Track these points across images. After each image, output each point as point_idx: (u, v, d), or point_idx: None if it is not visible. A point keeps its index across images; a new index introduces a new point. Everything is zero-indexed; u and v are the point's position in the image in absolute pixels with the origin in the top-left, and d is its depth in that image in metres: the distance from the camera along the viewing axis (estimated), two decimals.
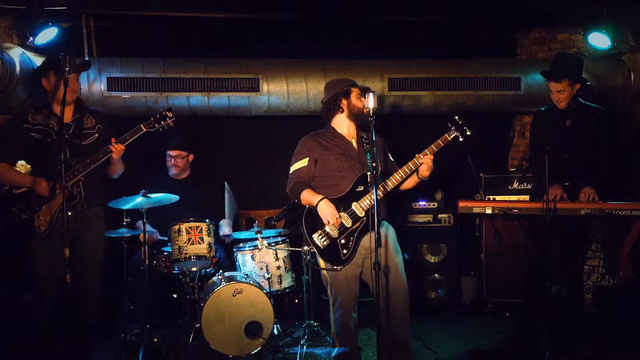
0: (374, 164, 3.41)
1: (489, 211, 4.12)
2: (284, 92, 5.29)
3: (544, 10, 5.35)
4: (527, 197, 5.07)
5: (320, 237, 3.72)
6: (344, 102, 3.87)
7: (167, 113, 3.96)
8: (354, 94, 3.87)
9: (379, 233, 3.33)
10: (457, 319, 5.42)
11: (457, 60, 5.63)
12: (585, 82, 4.24)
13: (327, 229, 3.71)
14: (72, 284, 3.29)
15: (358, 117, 3.86)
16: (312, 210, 3.74)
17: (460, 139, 3.75)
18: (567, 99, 4.17)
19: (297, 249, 4.67)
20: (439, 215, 5.64)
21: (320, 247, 3.72)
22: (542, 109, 4.46)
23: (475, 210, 4.15)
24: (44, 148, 3.77)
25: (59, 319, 3.61)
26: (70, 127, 3.82)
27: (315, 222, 3.74)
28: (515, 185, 5.51)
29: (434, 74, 5.48)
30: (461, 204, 4.14)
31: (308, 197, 3.77)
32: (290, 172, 3.90)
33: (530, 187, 5.35)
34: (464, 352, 4.48)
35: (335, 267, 3.71)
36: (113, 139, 3.79)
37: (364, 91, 3.82)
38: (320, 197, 3.71)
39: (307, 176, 3.85)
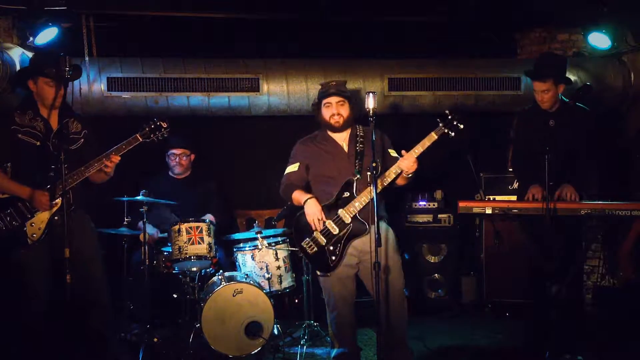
0: (374, 164, 3.39)
1: (489, 211, 4.10)
2: (284, 92, 5.29)
3: (544, 10, 5.35)
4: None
5: (308, 244, 3.74)
6: (318, 113, 3.90)
7: (162, 123, 3.83)
8: (323, 104, 3.84)
9: (378, 233, 3.33)
10: (457, 319, 5.42)
11: (457, 60, 5.62)
12: (566, 81, 4.22)
13: (314, 235, 3.72)
14: (72, 285, 3.26)
15: (328, 128, 3.85)
16: (301, 219, 3.75)
17: (452, 134, 3.61)
18: (551, 99, 4.15)
19: (297, 249, 4.68)
20: (439, 215, 5.63)
21: (309, 254, 3.75)
22: (526, 108, 4.44)
23: (475, 210, 4.14)
24: (29, 151, 3.63)
25: (65, 320, 3.55)
26: (58, 132, 3.66)
27: (304, 230, 3.75)
28: (515, 185, 5.50)
29: (434, 74, 5.48)
30: (461, 204, 4.13)
31: (297, 196, 3.80)
32: (284, 174, 3.93)
33: None
34: (463, 352, 4.48)
35: (324, 273, 3.74)
36: (112, 155, 3.67)
37: (346, 96, 3.81)
38: (309, 196, 3.75)
39: (298, 180, 3.88)
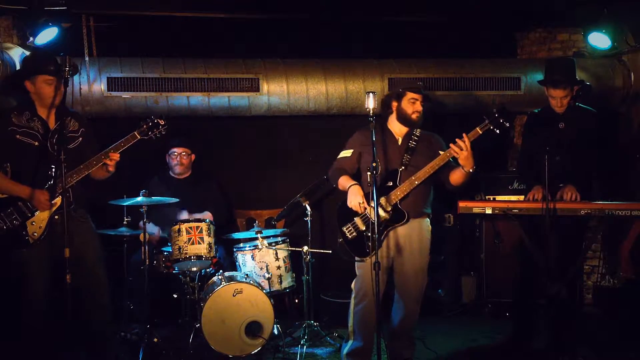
0: (374, 164, 3.43)
1: (489, 211, 4.11)
2: (284, 92, 5.29)
3: (544, 10, 5.35)
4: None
5: (348, 229, 3.82)
6: (395, 104, 3.91)
7: (159, 121, 3.84)
8: (407, 97, 3.86)
9: (379, 233, 3.36)
10: (457, 319, 5.42)
11: (457, 60, 5.62)
12: (581, 83, 4.26)
13: (355, 221, 3.80)
14: (72, 284, 3.26)
15: (405, 120, 3.89)
16: (344, 205, 3.82)
17: (497, 132, 3.68)
18: (568, 103, 4.20)
19: (297, 249, 4.68)
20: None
21: (348, 238, 3.82)
22: (536, 111, 4.47)
23: (475, 210, 4.14)
24: (28, 152, 3.62)
25: (65, 320, 3.54)
26: (56, 132, 3.67)
27: (346, 215, 3.83)
28: (515, 185, 5.50)
29: (434, 74, 5.47)
30: (461, 204, 4.14)
31: (343, 182, 3.88)
32: (337, 158, 4.01)
33: None
34: (463, 352, 4.49)
35: (360, 258, 3.80)
36: (111, 153, 3.68)
37: (424, 96, 3.89)
38: (353, 182, 3.82)
39: (348, 166, 3.95)
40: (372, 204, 3.63)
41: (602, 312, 5.21)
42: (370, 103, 3.46)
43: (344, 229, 3.84)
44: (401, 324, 3.90)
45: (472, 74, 5.52)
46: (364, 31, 5.73)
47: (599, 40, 5.40)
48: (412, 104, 3.86)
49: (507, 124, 3.67)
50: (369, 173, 3.58)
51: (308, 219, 4.87)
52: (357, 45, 5.76)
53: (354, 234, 3.81)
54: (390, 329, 3.92)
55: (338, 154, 4.04)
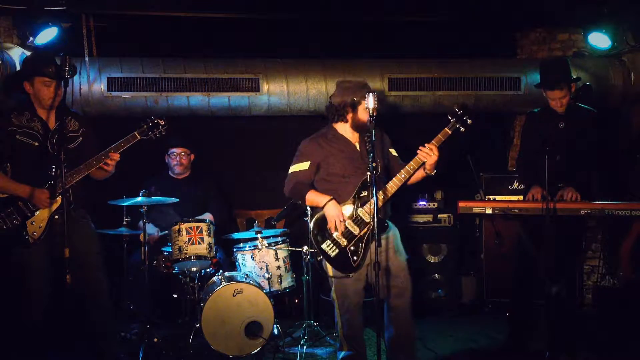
0: (373, 164, 3.40)
1: (489, 211, 4.11)
2: (284, 92, 5.29)
3: (544, 10, 5.35)
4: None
5: (329, 246, 3.70)
6: (350, 114, 3.79)
7: (160, 121, 3.85)
8: (363, 106, 3.71)
9: (379, 234, 3.33)
10: (457, 319, 5.42)
11: (457, 60, 5.62)
12: (577, 81, 4.28)
13: (335, 237, 3.68)
14: (72, 285, 3.26)
15: (361, 128, 3.79)
16: (320, 221, 3.71)
17: (462, 130, 3.67)
18: (567, 102, 4.21)
19: (297, 249, 4.68)
20: (439, 215, 5.63)
21: (330, 256, 3.70)
22: (535, 110, 4.47)
23: (475, 210, 4.15)
24: (28, 152, 3.64)
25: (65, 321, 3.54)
26: (55, 132, 3.69)
27: (323, 232, 3.71)
28: (515, 185, 5.51)
29: (434, 74, 5.48)
30: (461, 204, 4.14)
31: (314, 197, 3.74)
32: (289, 172, 3.86)
33: None
34: (463, 352, 4.48)
35: (347, 274, 3.69)
36: (112, 153, 3.69)
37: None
38: (328, 197, 3.69)
39: (307, 179, 3.82)
40: (359, 213, 3.64)
41: (602, 312, 5.21)
42: (371, 103, 3.43)
43: (324, 246, 3.70)
44: (399, 332, 3.77)
45: (472, 74, 5.52)
46: (364, 31, 5.73)
47: (599, 40, 5.40)
48: (367, 111, 3.69)
49: (470, 121, 3.66)
50: (368, 174, 3.52)
51: (308, 219, 4.86)
52: (357, 45, 5.76)
53: (336, 250, 3.68)
54: (387, 331, 3.82)
55: None
